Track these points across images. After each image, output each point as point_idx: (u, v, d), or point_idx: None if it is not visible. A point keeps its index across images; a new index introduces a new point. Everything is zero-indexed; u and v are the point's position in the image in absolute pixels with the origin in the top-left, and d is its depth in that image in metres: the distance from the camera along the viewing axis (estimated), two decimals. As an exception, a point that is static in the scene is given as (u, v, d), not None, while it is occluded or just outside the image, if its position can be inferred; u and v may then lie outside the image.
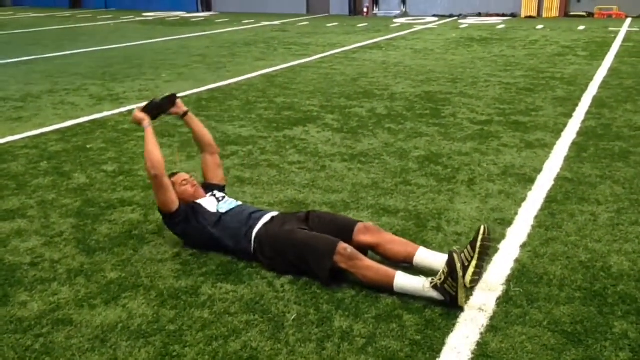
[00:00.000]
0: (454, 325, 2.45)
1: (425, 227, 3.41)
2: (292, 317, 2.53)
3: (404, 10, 20.72)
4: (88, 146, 5.17)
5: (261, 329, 2.45)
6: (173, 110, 3.41)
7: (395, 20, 18.47)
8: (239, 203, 3.29)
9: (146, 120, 3.22)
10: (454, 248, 2.54)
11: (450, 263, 2.51)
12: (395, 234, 3.29)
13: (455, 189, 3.99)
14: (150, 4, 25.66)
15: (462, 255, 2.74)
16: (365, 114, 6.18)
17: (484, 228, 2.71)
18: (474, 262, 2.67)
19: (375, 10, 21.19)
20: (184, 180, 3.29)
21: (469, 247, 2.72)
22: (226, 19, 19.86)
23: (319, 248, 2.76)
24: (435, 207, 3.69)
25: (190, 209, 3.16)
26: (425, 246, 3.08)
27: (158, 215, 3.62)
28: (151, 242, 3.28)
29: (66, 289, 2.80)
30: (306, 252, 2.78)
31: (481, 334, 2.39)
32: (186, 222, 3.13)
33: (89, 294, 2.75)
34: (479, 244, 2.68)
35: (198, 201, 3.21)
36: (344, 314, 2.55)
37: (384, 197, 3.88)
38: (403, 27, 16.36)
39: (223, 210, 3.16)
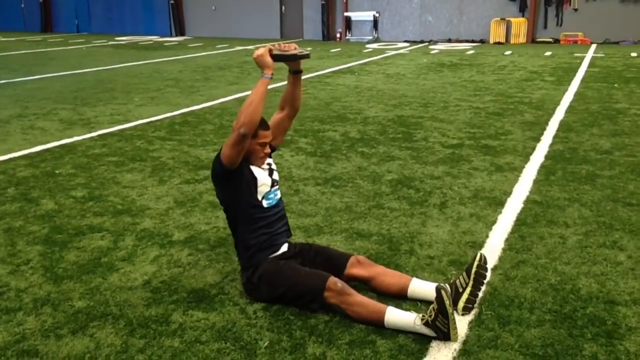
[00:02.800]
0: (427, 349, 2.45)
1: (398, 250, 3.42)
2: (265, 345, 2.50)
3: (376, 35, 21.03)
4: (57, 171, 5.09)
5: (233, 358, 2.41)
6: (293, 64, 3.16)
7: (367, 46, 18.74)
8: (279, 198, 3.08)
9: (271, 70, 2.90)
10: (441, 284, 2.54)
11: (439, 300, 2.47)
12: (368, 257, 3.29)
13: (427, 212, 4.02)
14: (123, 28, 25.60)
15: (458, 281, 2.76)
16: (338, 138, 6.22)
17: (480, 255, 2.76)
18: (468, 289, 2.71)
19: (348, 36, 21.47)
20: (264, 142, 2.95)
21: (464, 273, 2.76)
22: (200, 43, 19.90)
23: (308, 285, 2.73)
24: (407, 230, 3.71)
25: (244, 178, 2.90)
26: (399, 270, 3.09)
27: (128, 242, 3.59)
28: (120, 270, 3.22)
29: (32, 319, 2.72)
30: (296, 288, 2.75)
31: (454, 358, 2.39)
32: (233, 188, 2.89)
33: (56, 324, 2.68)
34: (474, 270, 2.73)
35: (254, 171, 2.94)
36: (318, 340, 2.52)
37: (357, 220, 3.89)
38: (375, 52, 16.59)
39: (265, 204, 2.95)
